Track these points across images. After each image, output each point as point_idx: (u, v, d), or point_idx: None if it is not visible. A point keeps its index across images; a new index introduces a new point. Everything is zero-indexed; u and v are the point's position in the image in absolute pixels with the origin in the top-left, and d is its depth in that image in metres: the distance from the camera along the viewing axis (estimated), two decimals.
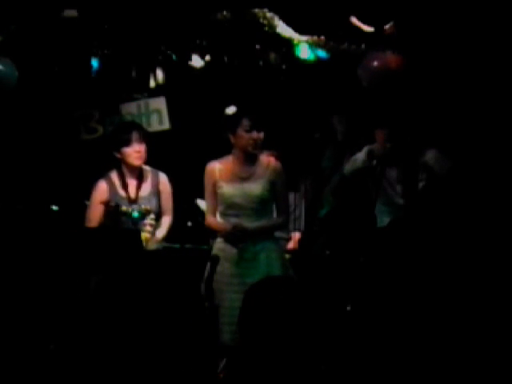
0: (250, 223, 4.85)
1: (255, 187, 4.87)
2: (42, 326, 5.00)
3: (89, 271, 4.86)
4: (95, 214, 5.21)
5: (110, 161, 5.28)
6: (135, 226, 5.11)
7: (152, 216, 5.16)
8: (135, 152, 5.16)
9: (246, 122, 4.81)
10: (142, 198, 5.22)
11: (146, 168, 5.29)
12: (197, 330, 2.12)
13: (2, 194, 5.83)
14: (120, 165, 5.23)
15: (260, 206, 4.90)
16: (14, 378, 4.30)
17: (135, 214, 5.12)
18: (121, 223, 5.15)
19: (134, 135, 5.17)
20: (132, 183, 5.23)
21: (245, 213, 4.88)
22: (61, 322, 5.09)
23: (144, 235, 5.09)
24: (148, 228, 5.12)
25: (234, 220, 4.89)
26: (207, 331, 2.16)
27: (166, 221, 5.32)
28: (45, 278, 5.12)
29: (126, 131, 5.22)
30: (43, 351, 4.76)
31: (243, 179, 4.89)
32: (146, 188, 5.24)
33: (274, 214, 5.07)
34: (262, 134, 4.83)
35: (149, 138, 5.43)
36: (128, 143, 5.15)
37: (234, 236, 4.83)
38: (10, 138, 6.26)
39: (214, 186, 4.92)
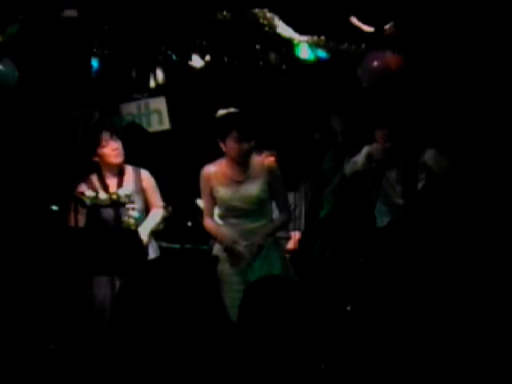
0: (251, 224, 4.86)
1: (252, 188, 4.87)
2: (42, 325, 5.00)
3: (88, 271, 4.86)
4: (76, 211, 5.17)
5: (88, 166, 5.25)
6: (117, 212, 5.07)
7: (133, 203, 5.08)
8: (112, 150, 5.15)
9: (234, 134, 4.80)
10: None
11: (127, 167, 5.27)
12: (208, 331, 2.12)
13: (2, 194, 5.83)
14: (99, 168, 5.21)
15: (258, 207, 4.90)
16: (14, 377, 4.30)
17: (133, 214, 5.10)
18: (101, 216, 5.11)
19: (105, 135, 5.15)
20: (112, 183, 5.20)
21: (244, 214, 4.88)
22: (61, 321, 5.09)
23: (128, 220, 5.05)
24: (131, 212, 5.06)
25: (234, 221, 4.90)
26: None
27: (157, 212, 5.27)
28: (44, 278, 5.12)
29: (96, 133, 5.20)
30: (43, 351, 4.76)
31: (239, 182, 4.89)
32: (128, 186, 5.19)
33: (274, 214, 5.07)
34: (252, 143, 4.82)
35: (149, 138, 5.41)
36: (102, 143, 5.13)
37: (231, 251, 4.83)
38: (9, 138, 6.26)
39: (211, 189, 4.92)
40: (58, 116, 6.58)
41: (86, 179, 5.25)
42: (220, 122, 4.89)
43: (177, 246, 5.70)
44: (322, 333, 2.41)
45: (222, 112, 4.94)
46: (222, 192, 4.87)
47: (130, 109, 6.64)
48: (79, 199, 5.02)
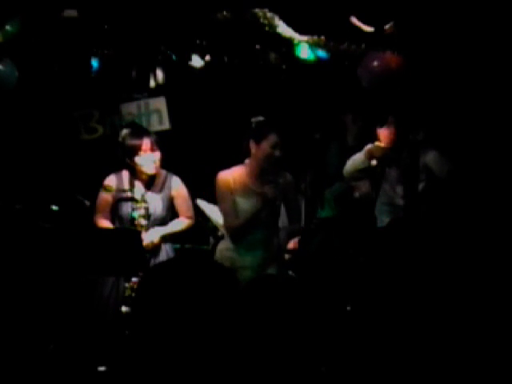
0: (264, 231, 4.90)
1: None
2: (42, 325, 5.01)
3: (88, 271, 4.86)
4: (100, 201, 5.13)
5: (121, 163, 5.19)
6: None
7: (146, 205, 5.05)
8: (150, 162, 5.03)
9: (272, 138, 4.79)
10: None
11: (161, 171, 5.16)
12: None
13: (2, 193, 5.83)
14: (133, 167, 5.12)
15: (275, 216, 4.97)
16: (14, 377, 4.31)
17: (134, 215, 5.08)
18: (120, 208, 5.10)
19: (146, 143, 5.03)
20: (140, 185, 5.11)
21: (261, 224, 4.89)
22: (61, 321, 5.09)
23: (138, 219, 5.02)
24: (142, 212, 5.03)
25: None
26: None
27: (181, 221, 5.19)
28: (44, 278, 5.13)
29: (137, 139, 5.04)
30: (43, 351, 4.77)
31: (258, 193, 4.85)
32: (154, 191, 5.12)
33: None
34: (282, 153, 4.81)
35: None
36: (140, 152, 5.02)
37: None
38: (9, 138, 6.27)
39: (232, 195, 4.85)
40: (58, 116, 6.59)
41: (116, 172, 5.16)
42: (259, 124, 4.86)
43: (177, 245, 5.70)
44: (322, 334, 2.40)
45: (257, 119, 4.93)
46: (245, 203, 4.84)
47: (130, 109, 6.64)
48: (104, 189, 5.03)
